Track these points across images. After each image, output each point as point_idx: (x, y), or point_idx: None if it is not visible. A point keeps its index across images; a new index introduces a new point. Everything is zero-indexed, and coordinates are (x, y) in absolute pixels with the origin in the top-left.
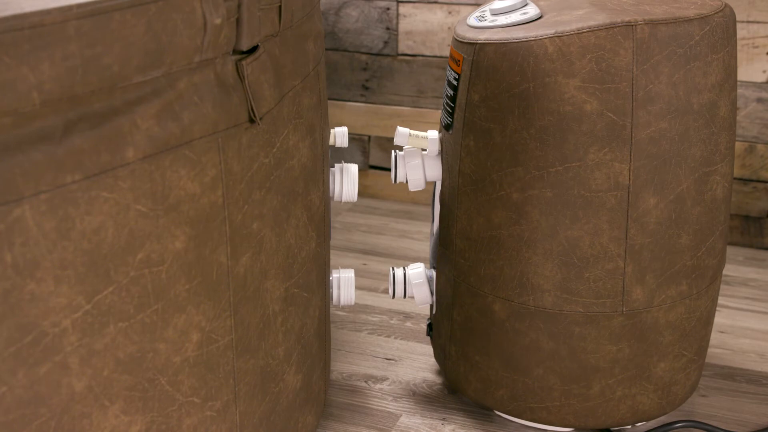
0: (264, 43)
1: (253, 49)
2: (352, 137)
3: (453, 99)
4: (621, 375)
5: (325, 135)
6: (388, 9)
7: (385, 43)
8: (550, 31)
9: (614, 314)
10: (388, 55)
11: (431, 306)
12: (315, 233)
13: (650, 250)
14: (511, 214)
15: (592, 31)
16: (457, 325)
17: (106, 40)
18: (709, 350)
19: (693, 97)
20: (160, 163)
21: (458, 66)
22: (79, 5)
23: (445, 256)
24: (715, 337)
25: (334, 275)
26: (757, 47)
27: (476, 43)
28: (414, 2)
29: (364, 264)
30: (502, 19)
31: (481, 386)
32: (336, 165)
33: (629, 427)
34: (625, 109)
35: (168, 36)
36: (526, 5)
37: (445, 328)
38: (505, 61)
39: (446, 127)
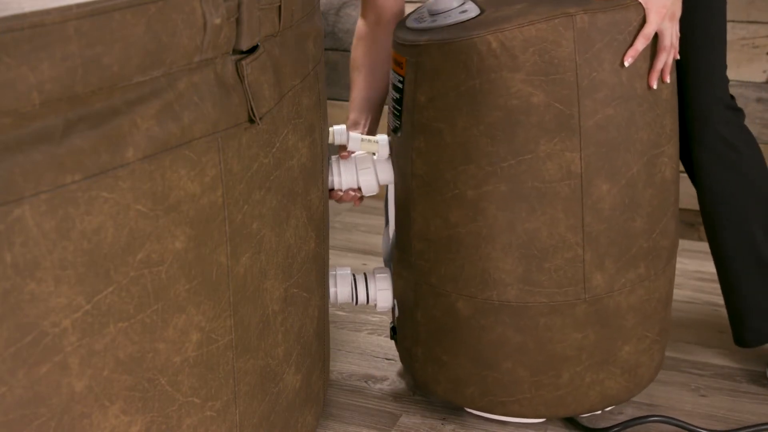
0: (264, 43)
1: (253, 49)
2: None
3: (399, 102)
4: (588, 361)
5: (325, 135)
6: None
7: None
8: (491, 27)
9: (577, 302)
10: None
11: (392, 309)
12: (314, 233)
13: (607, 236)
14: (467, 211)
15: (533, 24)
16: (421, 327)
17: (106, 40)
18: (710, 350)
19: (636, 81)
20: (160, 163)
21: (402, 69)
22: (79, 5)
23: (403, 260)
24: (715, 337)
25: (331, 274)
26: (757, 47)
27: (418, 45)
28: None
29: (364, 264)
30: (442, 19)
31: (451, 385)
32: (333, 157)
33: (599, 412)
34: (571, 98)
35: (168, 36)
36: (464, 3)
37: (409, 330)
38: (449, 60)
39: (394, 130)
